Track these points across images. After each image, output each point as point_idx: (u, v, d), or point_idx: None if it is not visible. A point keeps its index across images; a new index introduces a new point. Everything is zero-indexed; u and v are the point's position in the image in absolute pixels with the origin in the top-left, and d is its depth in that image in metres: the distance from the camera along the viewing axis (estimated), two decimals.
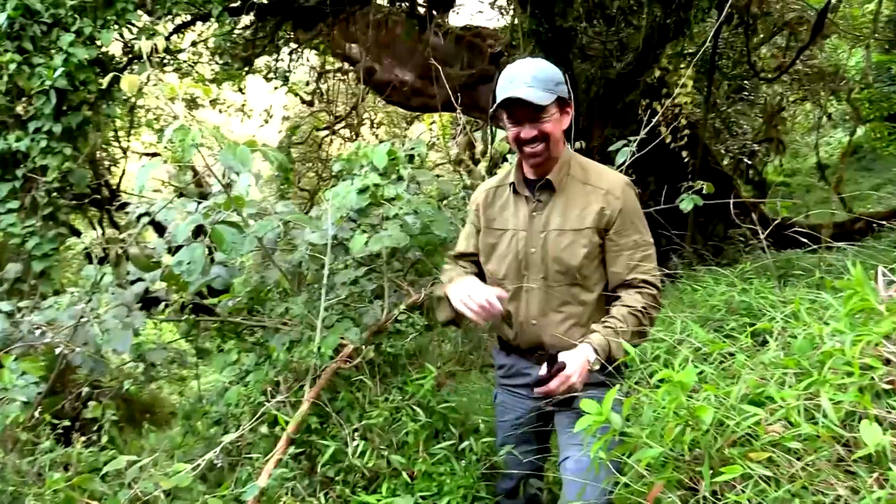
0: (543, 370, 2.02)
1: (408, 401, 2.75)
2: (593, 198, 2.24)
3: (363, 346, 2.85)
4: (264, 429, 2.56)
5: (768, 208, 9.05)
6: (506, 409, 2.55)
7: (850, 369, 1.50)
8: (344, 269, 3.20)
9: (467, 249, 2.53)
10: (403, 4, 7.93)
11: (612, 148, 3.80)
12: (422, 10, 8.33)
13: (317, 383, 2.66)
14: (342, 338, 2.82)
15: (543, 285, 2.27)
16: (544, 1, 6.67)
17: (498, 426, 2.62)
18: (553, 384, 1.99)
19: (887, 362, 1.54)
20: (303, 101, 13.09)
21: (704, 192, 3.74)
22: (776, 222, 3.96)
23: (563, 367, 2.00)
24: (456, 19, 10.27)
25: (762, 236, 3.50)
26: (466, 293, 2.16)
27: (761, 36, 10.68)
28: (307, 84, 12.40)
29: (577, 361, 2.02)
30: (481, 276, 2.45)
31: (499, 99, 2.17)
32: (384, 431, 2.64)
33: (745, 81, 10.12)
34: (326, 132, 13.40)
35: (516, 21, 7.68)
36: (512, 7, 8.31)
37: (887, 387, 1.49)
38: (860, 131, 12.12)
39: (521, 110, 2.18)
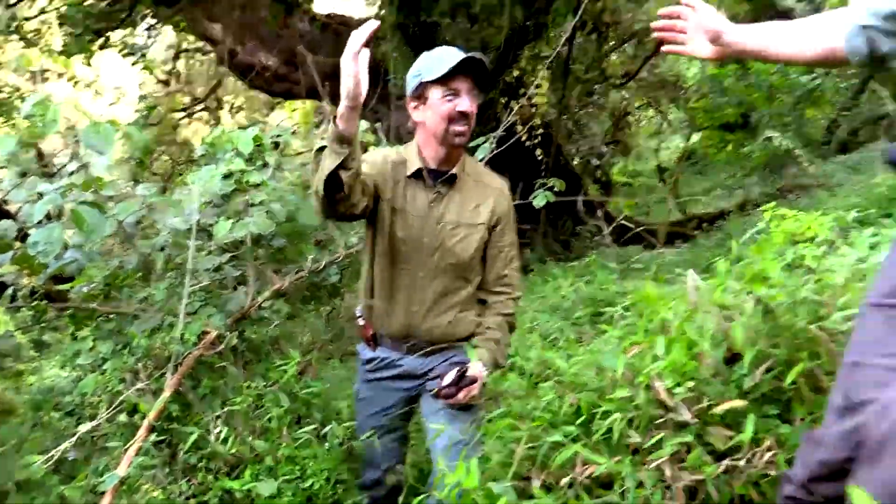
0: (450, 379, 2.23)
1: (271, 387, 2.78)
2: (486, 195, 2.37)
3: (227, 333, 2.85)
4: (123, 417, 2.51)
5: (613, 207, 9.67)
6: (372, 403, 2.56)
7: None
8: (207, 255, 3.17)
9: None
10: None
11: (473, 143, 3.94)
12: None
13: (178, 370, 2.64)
14: (205, 324, 2.81)
15: (430, 275, 2.35)
16: None
17: (363, 421, 2.60)
18: (461, 395, 2.23)
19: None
20: (159, 81, 12.49)
21: (556, 189, 3.97)
22: (619, 220, 4.29)
23: (473, 380, 2.24)
24: (322, 6, 10.15)
25: (605, 232, 3.79)
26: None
27: (612, 43, 11.36)
28: (164, 63, 11.84)
29: (479, 378, 2.27)
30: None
31: (448, 66, 2.15)
32: (247, 417, 2.66)
33: (596, 86, 10.72)
34: (183, 115, 12.87)
35: (383, 12, 7.74)
36: None
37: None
38: (695, 138, 13.15)
39: (464, 81, 2.20)
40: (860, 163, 8.20)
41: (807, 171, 8.16)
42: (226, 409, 2.62)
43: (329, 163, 2.01)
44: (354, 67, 1.93)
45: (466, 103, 2.23)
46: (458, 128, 2.25)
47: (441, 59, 2.21)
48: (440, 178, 2.35)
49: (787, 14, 14.12)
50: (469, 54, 2.19)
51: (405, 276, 2.37)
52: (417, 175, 2.36)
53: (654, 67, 11.99)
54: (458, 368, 2.25)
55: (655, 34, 1.77)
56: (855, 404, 1.34)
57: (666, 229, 8.38)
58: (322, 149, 2.06)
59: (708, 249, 5.95)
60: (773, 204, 2.23)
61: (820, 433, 1.45)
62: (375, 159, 2.39)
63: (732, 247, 2.16)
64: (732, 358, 1.84)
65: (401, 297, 2.39)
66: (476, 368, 2.28)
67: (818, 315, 1.82)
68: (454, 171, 2.34)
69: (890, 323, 1.34)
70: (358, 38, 1.90)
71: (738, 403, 1.66)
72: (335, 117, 2.00)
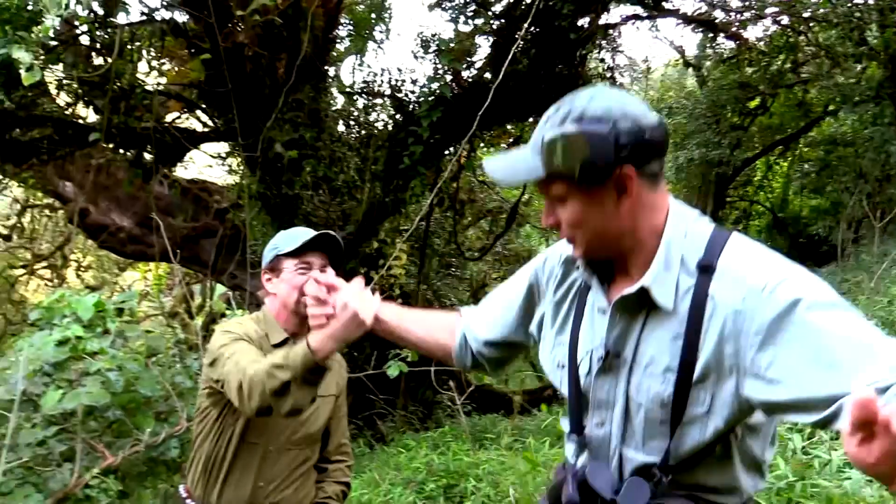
0: None
1: None
2: (336, 367, 2.39)
3: None
4: None
5: (471, 375, 9.82)
6: None
7: None
8: (31, 427, 2.92)
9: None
10: (128, 153, 7.77)
11: None
12: (148, 158, 8.20)
13: None
14: None
15: (280, 449, 2.28)
16: (273, 168, 6.99)
17: None
18: None
19: None
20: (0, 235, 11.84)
21: (409, 359, 4.04)
22: (470, 390, 4.38)
23: None
24: (184, 171, 10.20)
25: (458, 402, 3.86)
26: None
27: (469, 219, 12.06)
28: (7, 218, 11.26)
29: None
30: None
31: (302, 241, 2.17)
32: None
33: (454, 258, 11.21)
34: (23, 271, 12.14)
35: (245, 182, 7.88)
36: (241, 168, 8.54)
37: None
38: None
39: (318, 256, 2.23)
40: None
41: None
42: None
43: (299, 397, 1.86)
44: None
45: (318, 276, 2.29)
46: None
47: (296, 235, 2.27)
48: None
49: None
50: (322, 231, 2.28)
51: (255, 452, 2.27)
52: (282, 345, 2.28)
53: (507, 242, 12.75)
54: None
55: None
56: None
57: (522, 397, 8.57)
58: (280, 366, 1.85)
59: (560, 416, 6.10)
60: None
61: None
62: (249, 334, 2.25)
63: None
64: None
65: (247, 474, 2.28)
66: None
67: None
68: None
69: None
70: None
71: None
72: (311, 347, 1.81)
